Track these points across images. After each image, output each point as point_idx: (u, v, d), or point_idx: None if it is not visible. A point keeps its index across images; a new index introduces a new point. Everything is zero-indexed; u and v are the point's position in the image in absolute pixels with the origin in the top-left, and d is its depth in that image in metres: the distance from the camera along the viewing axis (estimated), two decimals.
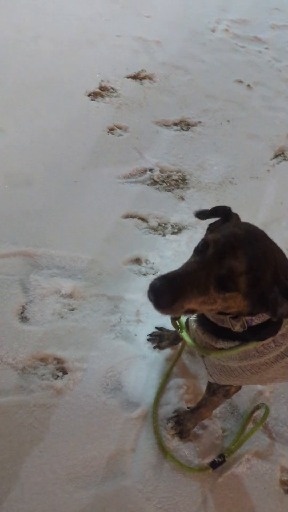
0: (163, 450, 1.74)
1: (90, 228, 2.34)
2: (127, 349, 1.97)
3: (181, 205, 2.60)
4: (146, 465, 1.71)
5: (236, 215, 1.26)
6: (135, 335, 2.02)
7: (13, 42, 3.32)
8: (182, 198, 2.64)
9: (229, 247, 1.04)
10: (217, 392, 1.59)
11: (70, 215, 2.37)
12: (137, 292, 2.16)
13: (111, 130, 2.89)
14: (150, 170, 2.73)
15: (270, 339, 1.21)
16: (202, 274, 1.04)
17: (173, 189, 2.68)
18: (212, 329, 1.27)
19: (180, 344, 1.98)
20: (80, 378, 1.85)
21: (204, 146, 2.98)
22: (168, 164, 2.78)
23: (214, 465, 1.75)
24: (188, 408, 1.84)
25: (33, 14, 3.61)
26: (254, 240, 1.07)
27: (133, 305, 2.12)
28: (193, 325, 1.34)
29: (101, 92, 3.11)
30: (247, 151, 3.05)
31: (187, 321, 1.48)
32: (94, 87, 3.11)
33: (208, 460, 1.76)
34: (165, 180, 2.71)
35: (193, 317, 1.35)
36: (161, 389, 1.88)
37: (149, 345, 2.00)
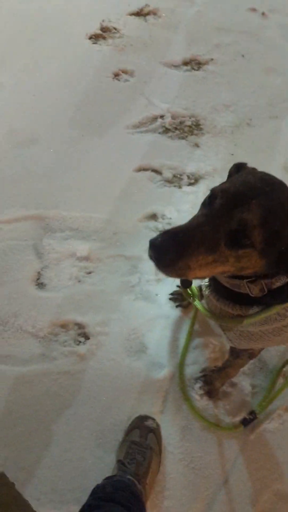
0: (192, 410, 1.70)
1: (101, 186, 2.20)
2: (149, 310, 1.89)
3: (196, 153, 2.42)
4: (175, 426, 1.68)
5: (253, 169, 1.09)
6: (156, 295, 1.93)
7: None
8: (197, 145, 2.45)
9: (241, 196, 0.90)
10: (240, 355, 1.51)
11: (79, 173, 2.23)
12: None
13: (116, 75, 2.67)
14: (161, 117, 2.53)
15: None
16: (210, 228, 0.89)
17: (186, 136, 2.48)
18: (227, 295, 1.13)
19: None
20: (103, 342, 1.79)
21: (217, 86, 2.74)
22: (180, 109, 2.56)
23: (245, 422, 1.70)
24: (214, 367, 1.78)
25: None
26: (271, 189, 0.92)
27: (152, 263, 2.01)
28: (206, 292, 1.21)
29: (102, 34, 2.85)
30: (265, 87, 2.79)
31: (200, 289, 1.36)
32: (95, 29, 2.85)
33: (238, 418, 1.72)
34: (178, 127, 2.51)
35: (205, 283, 1.22)
36: (186, 349, 1.82)
37: (171, 304, 1.91)
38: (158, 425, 1.66)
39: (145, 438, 1.59)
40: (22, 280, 1.88)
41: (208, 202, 0.93)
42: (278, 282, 1.05)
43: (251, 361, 1.77)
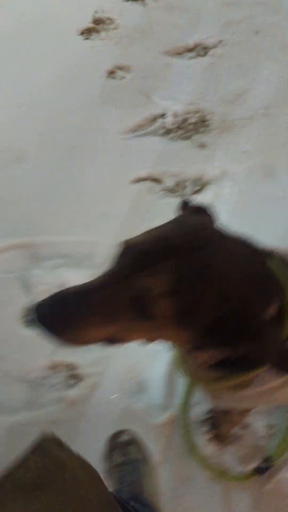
0: (198, 458, 1.59)
1: (94, 204, 2.11)
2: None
3: (202, 154, 2.26)
4: (178, 477, 1.58)
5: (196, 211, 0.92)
6: None
7: None
8: (202, 145, 2.28)
9: (152, 256, 0.76)
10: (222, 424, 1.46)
11: (70, 191, 2.15)
12: None
13: (111, 73, 2.54)
14: (162, 116, 2.38)
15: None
16: (109, 293, 0.77)
17: (191, 136, 2.32)
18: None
19: None
20: (97, 384, 1.72)
21: (227, 72, 2.54)
22: (183, 105, 2.40)
23: (260, 470, 1.58)
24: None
25: None
26: (198, 247, 0.77)
27: None
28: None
29: (95, 27, 2.72)
30: (284, 68, 2.56)
31: None
32: (87, 22, 2.72)
33: (252, 466, 1.59)
34: (181, 126, 2.35)
35: None
36: (190, 387, 1.70)
37: None
38: (133, 433, 1.61)
39: (127, 454, 1.55)
40: (7, 319, 1.84)
41: (120, 255, 0.80)
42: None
43: None
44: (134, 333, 0.82)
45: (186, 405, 1.67)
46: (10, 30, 2.74)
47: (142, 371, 1.74)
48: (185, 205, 0.94)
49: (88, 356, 1.76)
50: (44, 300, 0.78)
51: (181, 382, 1.70)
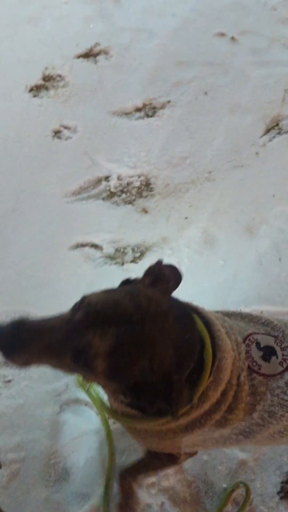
0: None
1: (29, 273, 2.11)
2: (75, 425, 1.78)
3: (143, 220, 2.30)
4: None
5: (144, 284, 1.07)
6: (85, 404, 1.81)
7: None
8: (145, 210, 2.33)
9: (102, 318, 0.92)
10: (158, 456, 1.42)
11: (5, 258, 2.14)
12: None
13: (56, 133, 2.58)
14: (106, 178, 2.42)
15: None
16: (59, 336, 0.94)
17: (134, 200, 2.37)
18: None
19: None
20: (16, 471, 1.68)
21: (174, 134, 2.61)
22: (128, 168, 2.45)
23: None
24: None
25: None
26: (139, 320, 0.93)
27: None
28: None
29: (45, 84, 2.77)
30: (230, 130, 2.64)
31: None
32: (37, 79, 2.78)
33: None
34: (125, 190, 2.39)
35: None
36: (110, 475, 1.68)
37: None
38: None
39: None
40: None
41: (78, 307, 0.96)
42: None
43: (193, 484, 1.64)
44: (73, 371, 0.99)
45: (106, 495, 1.65)
46: None
47: (67, 455, 1.72)
48: (153, 268, 1.09)
49: (10, 441, 1.73)
50: (9, 324, 0.95)
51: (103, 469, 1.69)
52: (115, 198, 2.37)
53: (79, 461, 1.72)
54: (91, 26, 3.06)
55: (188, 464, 1.72)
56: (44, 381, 1.86)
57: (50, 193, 2.34)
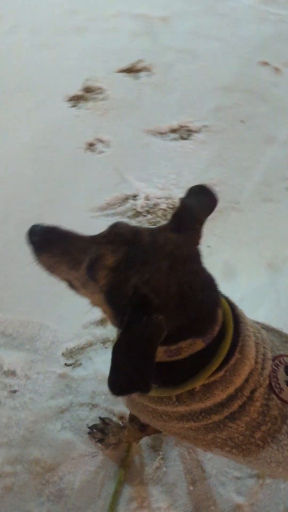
0: None
1: (48, 284, 2.08)
2: (74, 445, 1.75)
3: None
4: None
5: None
6: (87, 425, 1.79)
7: None
8: None
9: (119, 238, 0.99)
10: (133, 420, 1.45)
11: (26, 266, 2.12)
12: (98, 364, 1.91)
13: (90, 145, 2.58)
14: (134, 197, 2.41)
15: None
16: (81, 245, 1.02)
17: (158, 222, 2.34)
18: None
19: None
20: (10, 485, 1.66)
21: (206, 160, 2.58)
22: (156, 189, 2.43)
23: None
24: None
25: None
26: (154, 251, 0.97)
27: (90, 383, 1.88)
28: None
29: (84, 95, 2.78)
30: (262, 162, 2.61)
31: None
32: (77, 90, 2.79)
33: None
34: (151, 210, 2.38)
35: None
36: (114, 503, 1.65)
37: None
38: None
39: None
40: None
41: (107, 229, 1.05)
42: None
43: None
44: (83, 288, 1.04)
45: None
46: (1, 86, 2.79)
47: (63, 475, 1.69)
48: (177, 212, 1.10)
49: (7, 454, 1.71)
50: (38, 226, 1.05)
51: (103, 494, 1.67)
52: (140, 218, 2.35)
53: (75, 482, 1.68)
54: (137, 41, 3.06)
55: (182, 500, 1.69)
56: (48, 396, 1.84)
57: (77, 206, 2.34)
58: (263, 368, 1.11)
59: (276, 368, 1.12)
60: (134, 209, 2.37)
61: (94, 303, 1.07)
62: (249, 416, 1.08)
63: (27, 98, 2.73)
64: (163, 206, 2.39)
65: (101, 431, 1.75)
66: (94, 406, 1.84)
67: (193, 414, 1.09)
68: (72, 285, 1.10)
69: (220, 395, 1.06)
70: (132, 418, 1.46)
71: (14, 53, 2.95)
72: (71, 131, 2.61)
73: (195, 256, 1.04)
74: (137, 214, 2.36)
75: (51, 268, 1.06)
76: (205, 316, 1.02)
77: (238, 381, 1.07)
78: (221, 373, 1.05)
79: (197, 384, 1.05)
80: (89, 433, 1.77)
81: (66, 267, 1.03)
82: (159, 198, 2.41)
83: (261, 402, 1.09)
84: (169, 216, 2.33)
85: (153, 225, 2.33)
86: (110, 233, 1.02)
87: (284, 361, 1.14)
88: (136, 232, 1.01)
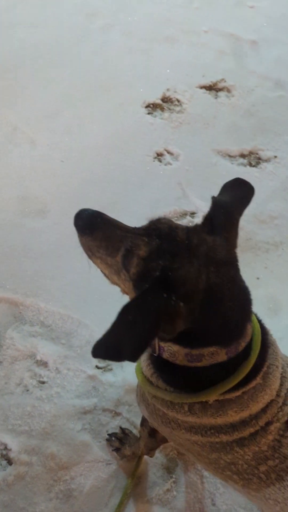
0: None
1: (96, 284, 2.09)
2: (91, 448, 1.74)
3: None
4: None
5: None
6: (107, 432, 1.77)
7: (81, 30, 3.09)
8: None
9: (155, 232, 1.00)
10: (144, 424, 1.45)
11: (77, 263, 2.14)
12: (128, 374, 1.90)
13: (159, 155, 2.57)
14: (192, 214, 2.38)
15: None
16: (121, 235, 1.03)
17: None
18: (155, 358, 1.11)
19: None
20: (23, 474, 1.67)
21: (270, 191, 2.53)
22: None
23: None
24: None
25: None
26: (188, 249, 0.96)
27: (116, 390, 1.87)
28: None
29: (161, 104, 2.78)
30: None
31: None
32: (156, 98, 2.78)
33: None
34: None
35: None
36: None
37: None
38: None
39: None
40: None
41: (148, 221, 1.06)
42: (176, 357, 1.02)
43: None
44: (116, 275, 1.06)
45: None
46: (86, 81, 2.82)
47: (74, 476, 1.69)
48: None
49: (27, 442, 1.72)
50: (87, 210, 1.10)
51: (110, 503, 1.65)
52: None
53: (85, 486, 1.67)
54: (222, 60, 3.04)
55: None
56: (74, 394, 1.84)
57: (137, 212, 2.33)
58: (284, 404, 1.07)
59: None
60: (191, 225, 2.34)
61: (124, 291, 1.10)
62: (258, 447, 1.05)
63: (108, 98, 2.75)
64: None
65: (119, 441, 1.74)
66: (117, 414, 1.83)
67: (202, 428, 1.07)
68: (106, 271, 1.11)
69: (233, 416, 1.03)
70: (143, 421, 1.45)
71: (103, 52, 2.98)
72: (144, 137, 2.61)
73: (231, 261, 1.02)
74: None
75: (90, 251, 1.09)
76: (233, 327, 1.00)
77: (255, 408, 1.03)
78: (237, 393, 1.02)
79: (211, 397, 1.02)
80: (107, 439, 1.76)
81: (104, 252, 1.05)
82: None
83: (274, 437, 1.05)
84: None
85: None
86: (149, 226, 1.04)
87: None
88: (173, 228, 1.02)
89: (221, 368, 1.00)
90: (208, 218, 1.06)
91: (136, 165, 2.50)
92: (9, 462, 1.70)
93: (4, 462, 1.70)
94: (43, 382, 1.86)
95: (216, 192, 2.48)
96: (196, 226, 1.06)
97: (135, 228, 1.06)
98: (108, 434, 1.76)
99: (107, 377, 1.91)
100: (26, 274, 2.09)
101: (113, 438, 1.75)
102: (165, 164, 2.55)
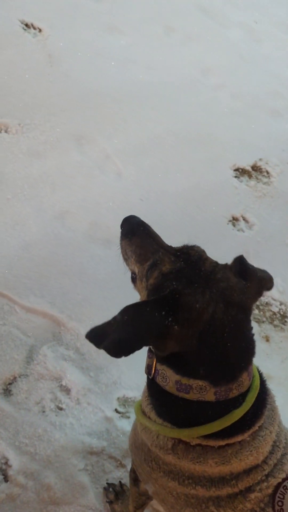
0: None
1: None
2: (87, 492, 1.69)
3: (261, 346, 2.15)
4: None
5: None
6: (107, 480, 1.72)
7: (193, 82, 3.20)
8: (267, 338, 2.20)
9: (184, 256, 1.06)
10: (132, 469, 1.38)
11: (125, 300, 2.14)
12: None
13: (234, 219, 2.57)
14: None
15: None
16: (155, 248, 1.12)
17: (263, 322, 2.25)
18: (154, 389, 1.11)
19: None
20: (15, 496, 1.63)
21: None
22: (276, 290, 2.35)
23: None
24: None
25: (231, 59, 3.44)
26: (207, 280, 0.99)
27: (127, 440, 1.81)
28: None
29: (250, 172, 2.80)
30: None
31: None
32: (247, 163, 2.81)
33: None
34: (261, 307, 2.29)
35: None
36: None
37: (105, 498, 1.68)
38: None
39: None
40: None
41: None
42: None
43: None
44: (140, 282, 1.14)
45: None
46: (185, 131, 2.90)
47: (67, 501, 1.63)
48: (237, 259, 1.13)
49: (27, 464, 1.69)
50: (135, 217, 1.25)
51: None
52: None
53: None
54: None
55: None
56: (87, 431, 1.80)
57: None
58: (270, 475, 1.02)
59: (286, 490, 1.02)
60: None
61: (141, 299, 1.15)
62: (232, 510, 1.01)
63: (199, 151, 2.81)
64: (275, 309, 2.30)
65: (115, 494, 1.67)
66: (122, 465, 1.77)
67: (180, 475, 1.04)
68: (134, 277, 1.19)
69: (212, 467, 1.00)
70: (132, 469, 1.40)
71: (207, 107, 3.06)
72: (224, 198, 2.63)
73: (244, 307, 1.02)
74: None
75: (125, 255, 1.19)
76: (226, 368, 0.99)
77: (236, 467, 1.00)
78: (221, 442, 1.00)
79: (193, 435, 1.01)
80: (105, 488, 1.70)
81: (136, 258, 1.14)
82: (275, 299, 2.32)
83: (254, 507, 1.01)
84: (276, 322, 2.26)
85: (257, 322, 2.25)
86: (182, 249, 1.10)
87: None
88: (202, 258, 1.07)
89: (208, 409, 1.00)
90: (238, 261, 1.10)
91: (209, 222, 2.51)
92: (6, 479, 1.66)
93: (0, 477, 1.67)
94: (60, 409, 1.84)
95: (283, 272, 2.44)
96: (226, 265, 1.09)
97: (169, 246, 1.14)
98: (107, 483, 1.70)
99: (123, 423, 1.86)
100: (76, 297, 2.11)
101: (110, 489, 1.68)
102: (238, 230, 2.54)
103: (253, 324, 2.19)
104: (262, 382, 1.11)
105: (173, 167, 2.72)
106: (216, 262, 1.08)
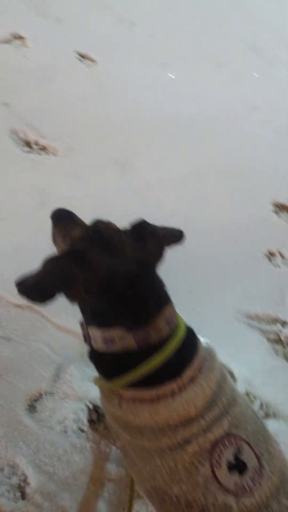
0: None
1: None
2: None
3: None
4: None
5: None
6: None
7: (238, 118, 3.23)
8: None
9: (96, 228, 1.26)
10: None
11: None
12: None
13: (271, 254, 2.53)
14: (283, 323, 2.28)
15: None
16: (72, 227, 1.30)
17: None
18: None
19: None
20: None
21: None
22: None
23: None
24: None
25: (279, 97, 3.45)
26: (106, 245, 1.18)
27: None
28: None
29: None
30: None
31: None
32: (286, 199, 2.78)
33: None
34: None
35: None
36: None
37: None
38: None
39: None
40: (21, 392, 1.85)
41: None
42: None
43: None
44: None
45: None
46: (226, 164, 2.92)
47: None
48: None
49: (45, 484, 1.68)
50: (62, 208, 1.39)
51: None
52: (278, 346, 2.21)
53: None
54: None
55: None
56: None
57: (228, 298, 2.29)
58: (208, 430, 1.04)
59: (225, 444, 1.04)
60: (278, 334, 2.25)
61: None
62: (174, 463, 1.04)
63: (239, 185, 2.81)
64: None
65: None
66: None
67: (131, 429, 1.10)
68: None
69: (148, 419, 1.06)
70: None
71: (251, 141, 3.06)
72: (262, 233, 2.60)
73: (143, 262, 1.17)
74: (278, 341, 2.23)
75: (53, 237, 1.33)
76: (136, 313, 1.11)
77: (171, 418, 1.05)
78: (151, 392, 1.08)
79: (119, 384, 1.12)
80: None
81: (61, 239, 1.29)
82: None
83: (192, 460, 1.03)
84: None
85: (286, 360, 2.19)
86: (94, 222, 1.28)
87: (240, 442, 1.05)
88: (108, 228, 1.24)
89: (133, 357, 1.10)
90: (137, 226, 1.25)
91: (244, 255, 2.49)
92: (23, 496, 1.66)
93: (18, 494, 1.66)
94: (82, 431, 1.83)
95: None
96: (126, 230, 1.25)
97: (85, 224, 1.32)
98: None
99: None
100: None
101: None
102: (274, 265, 2.50)
103: (281, 361, 2.16)
104: (192, 337, 1.20)
105: (212, 199, 2.72)
106: (118, 230, 1.24)
